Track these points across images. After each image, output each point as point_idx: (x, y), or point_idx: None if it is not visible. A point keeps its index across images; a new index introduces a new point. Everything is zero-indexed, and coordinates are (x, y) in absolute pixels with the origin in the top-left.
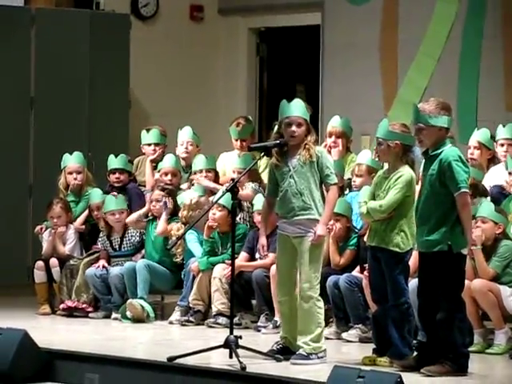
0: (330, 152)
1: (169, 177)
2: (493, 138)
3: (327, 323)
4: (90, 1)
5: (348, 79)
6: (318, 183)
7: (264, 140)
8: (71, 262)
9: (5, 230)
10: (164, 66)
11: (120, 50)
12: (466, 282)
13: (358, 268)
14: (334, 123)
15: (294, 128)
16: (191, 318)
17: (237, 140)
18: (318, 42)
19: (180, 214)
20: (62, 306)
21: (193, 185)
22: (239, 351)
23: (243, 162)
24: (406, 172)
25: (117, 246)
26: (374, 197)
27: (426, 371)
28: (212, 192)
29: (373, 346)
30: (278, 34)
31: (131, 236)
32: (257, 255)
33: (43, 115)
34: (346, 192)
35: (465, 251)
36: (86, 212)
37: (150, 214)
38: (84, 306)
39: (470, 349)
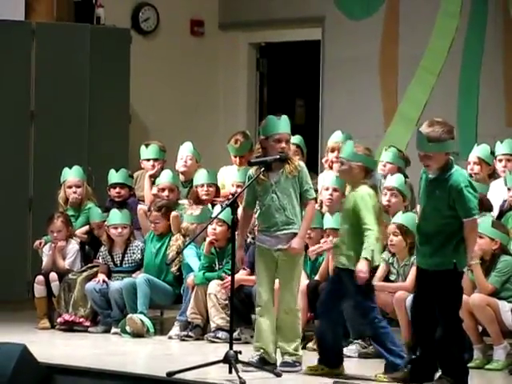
0: (331, 167)
1: (166, 192)
2: (492, 153)
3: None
4: (90, 15)
5: (348, 94)
6: (299, 197)
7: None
8: (69, 275)
9: (5, 243)
10: (164, 80)
11: (120, 64)
12: (465, 296)
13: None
14: (337, 138)
15: (283, 144)
16: (190, 333)
17: (235, 157)
18: (318, 57)
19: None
20: (59, 319)
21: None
22: (239, 366)
23: (243, 175)
24: (362, 191)
25: (118, 262)
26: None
27: None
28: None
29: (373, 361)
30: (278, 49)
31: (133, 253)
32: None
33: (43, 129)
34: None
35: (464, 269)
36: (88, 226)
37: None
38: (81, 320)
39: (469, 364)
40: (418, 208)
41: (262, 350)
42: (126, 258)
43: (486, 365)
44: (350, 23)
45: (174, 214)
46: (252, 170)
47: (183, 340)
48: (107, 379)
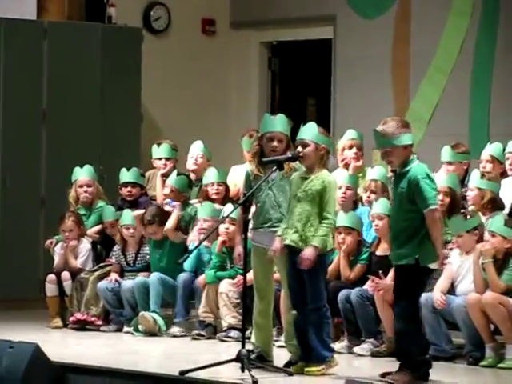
0: (346, 166)
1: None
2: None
3: (339, 337)
4: (102, 14)
5: (360, 93)
6: None
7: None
8: (82, 274)
9: (17, 242)
10: (176, 79)
11: (132, 63)
12: (477, 295)
13: (369, 282)
14: (352, 136)
15: (275, 143)
16: (202, 332)
17: (249, 152)
18: (330, 56)
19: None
20: (71, 318)
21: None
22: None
23: None
24: (330, 177)
25: (131, 262)
26: (289, 201)
27: (389, 379)
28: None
29: (385, 359)
30: (289, 48)
31: (146, 253)
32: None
33: (55, 128)
34: (359, 205)
35: (433, 266)
36: (100, 226)
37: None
38: (93, 319)
39: (481, 363)
40: None
41: (259, 348)
42: (138, 258)
43: (498, 363)
44: (361, 22)
45: (168, 227)
46: (250, 167)
47: (195, 339)
48: (119, 378)
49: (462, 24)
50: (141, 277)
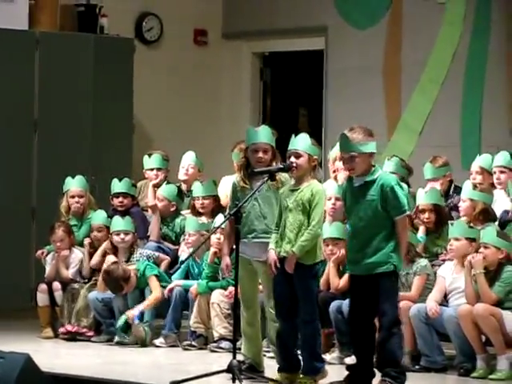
0: (335, 178)
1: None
2: None
3: (330, 348)
4: (94, 25)
5: (351, 103)
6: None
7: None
8: (73, 285)
9: (8, 252)
10: (167, 90)
11: (124, 73)
12: (468, 306)
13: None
14: None
15: (260, 154)
16: (193, 343)
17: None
18: (322, 67)
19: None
20: (61, 329)
21: (194, 211)
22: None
23: None
24: (319, 186)
25: None
26: (281, 213)
27: None
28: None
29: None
30: (281, 59)
31: (137, 260)
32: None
33: (47, 138)
34: None
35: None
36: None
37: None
38: (84, 330)
39: (473, 374)
40: None
41: (249, 359)
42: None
43: (489, 374)
44: (353, 32)
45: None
46: (237, 178)
47: (186, 349)
48: None
49: (453, 34)
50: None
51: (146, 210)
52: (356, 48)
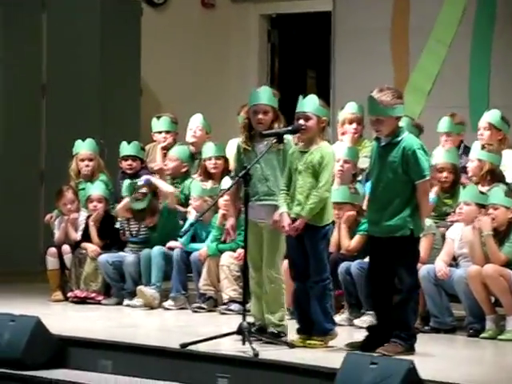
0: (342, 139)
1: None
2: (503, 119)
3: (339, 310)
4: None
5: (360, 65)
6: (283, 171)
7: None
8: (80, 250)
9: (17, 216)
10: (175, 52)
11: (131, 37)
12: (478, 267)
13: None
14: (354, 110)
15: (260, 116)
16: (203, 305)
17: None
18: (329, 28)
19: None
20: (70, 294)
21: (204, 172)
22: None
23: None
24: (329, 148)
25: (134, 232)
26: (290, 175)
27: (382, 351)
28: None
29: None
30: (289, 21)
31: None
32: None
33: (55, 102)
34: (359, 178)
35: (421, 235)
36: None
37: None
38: (93, 294)
39: (482, 335)
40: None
41: (260, 321)
42: (141, 230)
43: (498, 335)
44: None
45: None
46: (240, 140)
47: (196, 312)
48: (120, 351)
49: None
50: (147, 249)
51: (154, 173)
52: (364, 9)
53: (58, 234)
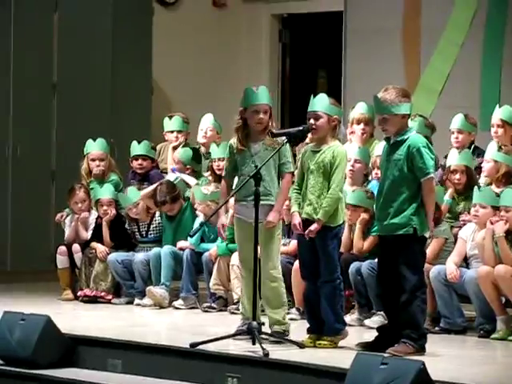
0: (350, 139)
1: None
2: None
3: (349, 310)
4: None
5: (371, 65)
6: (278, 170)
7: (287, 126)
8: (90, 249)
9: (28, 215)
10: (186, 52)
11: (143, 36)
12: (489, 268)
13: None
14: (363, 110)
15: (261, 115)
16: (213, 304)
17: None
18: (341, 28)
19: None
20: (79, 293)
21: (214, 173)
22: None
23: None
24: (341, 148)
25: (144, 232)
26: (302, 174)
27: (392, 351)
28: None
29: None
30: (300, 21)
31: (158, 223)
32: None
33: (66, 101)
34: (370, 178)
35: (427, 234)
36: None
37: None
38: (103, 294)
39: (492, 336)
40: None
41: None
42: (151, 229)
43: (509, 336)
44: None
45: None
46: (233, 140)
47: (206, 311)
48: (130, 350)
49: None
50: (157, 248)
51: (166, 173)
52: (375, 9)
53: (68, 232)
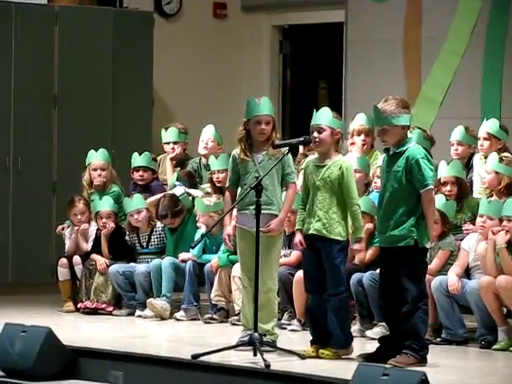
0: (351, 150)
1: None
2: (502, 128)
3: (351, 320)
4: None
5: (371, 76)
6: (280, 180)
7: (287, 137)
8: (90, 261)
9: (29, 227)
10: (187, 63)
11: (143, 47)
12: (491, 278)
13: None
14: (362, 121)
15: (263, 126)
16: (215, 316)
17: None
18: (342, 39)
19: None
20: (80, 305)
21: (214, 185)
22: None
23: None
24: (347, 162)
25: (144, 243)
26: (307, 189)
27: (393, 362)
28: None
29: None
30: (301, 31)
31: (159, 234)
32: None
33: (66, 113)
34: (370, 189)
35: (428, 245)
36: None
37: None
38: (103, 305)
39: (494, 347)
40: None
41: (248, 331)
42: (152, 240)
43: (510, 347)
44: (372, 5)
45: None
46: (236, 151)
47: (207, 322)
48: (131, 362)
49: (473, 5)
50: (157, 260)
51: (166, 185)
52: (376, 20)
53: (68, 244)
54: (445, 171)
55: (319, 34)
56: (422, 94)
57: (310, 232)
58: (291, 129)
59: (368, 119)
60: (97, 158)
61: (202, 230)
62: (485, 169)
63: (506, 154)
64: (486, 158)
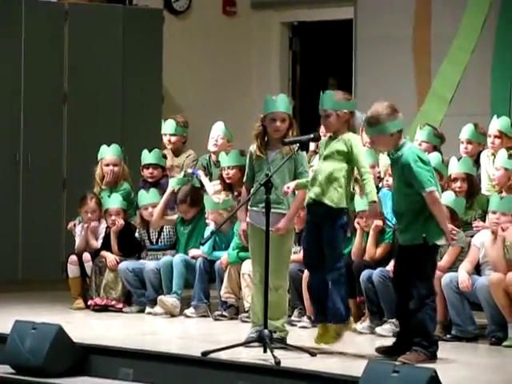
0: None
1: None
2: None
3: (360, 317)
4: None
5: (381, 73)
6: (292, 179)
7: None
8: (100, 258)
9: (39, 224)
10: (197, 60)
11: (153, 44)
12: (501, 275)
13: (392, 263)
14: None
15: (278, 123)
16: (224, 313)
17: None
18: (351, 36)
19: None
20: (90, 302)
21: (223, 181)
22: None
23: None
24: (353, 136)
25: (154, 240)
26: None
27: (403, 359)
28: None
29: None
30: (310, 28)
31: (169, 230)
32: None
33: (76, 110)
34: (381, 185)
35: (440, 242)
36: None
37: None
38: (113, 302)
39: (504, 343)
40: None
41: (258, 327)
42: (162, 236)
43: None
44: (382, 2)
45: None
46: (253, 146)
47: (217, 319)
48: (142, 359)
49: (483, 2)
50: (168, 256)
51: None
52: (385, 17)
53: (78, 241)
54: (455, 167)
55: (329, 31)
56: (432, 91)
57: (311, 198)
58: (301, 126)
59: None
60: (109, 153)
61: (212, 227)
62: (494, 165)
63: None
64: (493, 155)
